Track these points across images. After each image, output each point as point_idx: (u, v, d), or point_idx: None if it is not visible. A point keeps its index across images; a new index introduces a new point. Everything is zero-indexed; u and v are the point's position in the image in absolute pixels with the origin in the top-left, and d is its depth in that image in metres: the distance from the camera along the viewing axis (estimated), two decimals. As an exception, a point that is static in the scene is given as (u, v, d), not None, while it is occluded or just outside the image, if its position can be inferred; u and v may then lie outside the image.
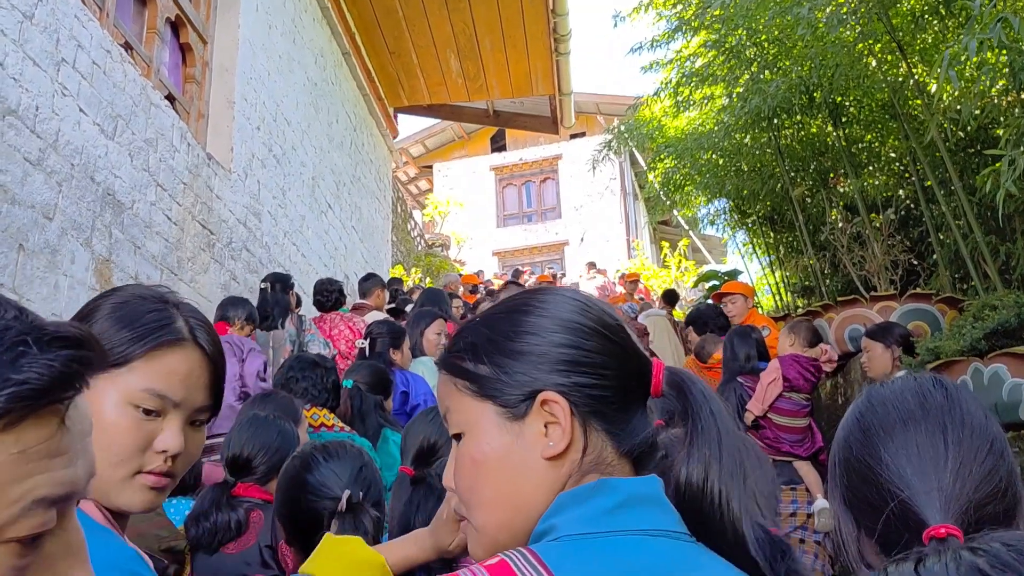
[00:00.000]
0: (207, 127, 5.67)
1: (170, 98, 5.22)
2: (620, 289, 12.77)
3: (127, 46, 4.77)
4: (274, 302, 4.64)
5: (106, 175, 4.14)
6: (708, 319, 5.46)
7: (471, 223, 20.29)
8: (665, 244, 17.01)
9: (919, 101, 4.54)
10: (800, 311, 5.87)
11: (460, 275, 12.74)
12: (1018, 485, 1.01)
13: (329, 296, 5.11)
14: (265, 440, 2.33)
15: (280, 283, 4.81)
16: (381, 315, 5.44)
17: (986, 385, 3.36)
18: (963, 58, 2.70)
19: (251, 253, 5.97)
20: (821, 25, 4.39)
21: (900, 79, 5.03)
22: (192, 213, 5.07)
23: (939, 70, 2.81)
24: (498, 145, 22.21)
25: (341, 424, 2.96)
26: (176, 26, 5.50)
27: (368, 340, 4.31)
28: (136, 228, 4.39)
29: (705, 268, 11.93)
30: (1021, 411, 3.27)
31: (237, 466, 2.33)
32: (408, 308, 6.89)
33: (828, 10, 4.39)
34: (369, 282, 5.98)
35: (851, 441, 1.08)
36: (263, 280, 4.92)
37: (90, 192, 3.99)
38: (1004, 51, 3.80)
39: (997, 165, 2.79)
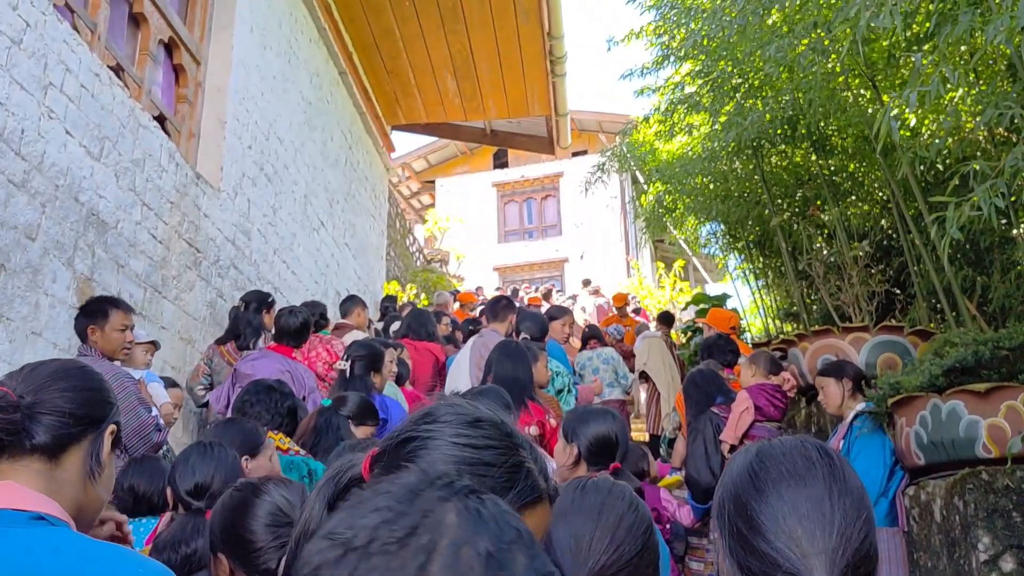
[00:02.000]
0: (198, 147, 5.77)
1: (161, 118, 5.32)
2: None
3: (118, 68, 4.88)
4: (246, 322, 4.70)
5: (91, 195, 4.23)
6: (716, 350, 5.51)
7: (472, 239, 20.43)
8: (660, 264, 17.05)
9: (885, 137, 4.59)
10: (779, 338, 5.92)
11: (456, 291, 12.80)
12: (876, 548, 1.10)
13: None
14: (221, 465, 2.39)
15: (257, 303, 4.88)
16: (361, 335, 5.51)
17: (944, 421, 3.40)
18: (912, 105, 2.77)
19: (239, 271, 6.06)
20: (795, 61, 4.46)
21: (877, 114, 5.08)
22: (178, 232, 5.16)
23: (882, 122, 2.89)
24: (500, 162, 22.37)
25: (296, 448, 3.03)
26: (169, 47, 5.61)
27: (348, 361, 4.38)
28: (120, 247, 4.48)
29: (697, 290, 11.96)
30: (977, 448, 3.32)
31: (200, 494, 2.40)
32: (395, 326, 6.97)
33: (804, 44, 4.46)
34: (349, 303, 6.05)
35: (743, 495, 1.13)
36: (241, 298, 5.00)
37: (74, 212, 4.08)
38: (973, 91, 3.88)
39: (943, 214, 2.85)
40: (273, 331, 4.62)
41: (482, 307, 10.74)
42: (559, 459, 2.41)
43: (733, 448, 4.19)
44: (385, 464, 1.03)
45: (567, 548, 1.27)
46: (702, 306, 8.55)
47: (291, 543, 1.09)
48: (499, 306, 5.27)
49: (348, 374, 4.21)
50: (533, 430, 3.51)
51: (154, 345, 4.19)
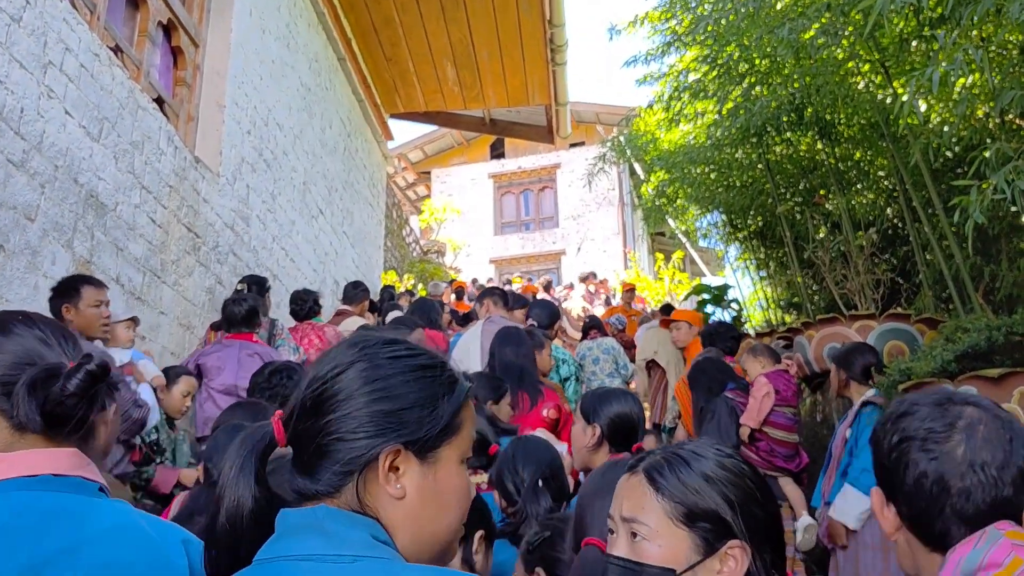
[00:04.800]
0: (196, 130, 5.69)
1: (159, 101, 5.24)
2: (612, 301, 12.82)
3: (117, 49, 4.80)
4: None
5: (90, 177, 4.16)
6: (717, 337, 5.48)
7: (469, 230, 20.34)
8: (659, 256, 17.03)
9: (902, 122, 4.56)
10: (782, 328, 5.89)
11: (452, 281, 12.75)
12: None
13: (303, 305, 5.13)
14: None
15: (256, 285, 4.82)
16: (360, 321, 5.45)
17: (957, 408, 3.36)
18: (935, 84, 2.72)
19: (238, 257, 5.99)
20: (804, 45, 4.41)
21: (887, 99, 5.05)
22: (177, 216, 5.08)
23: (905, 99, 2.84)
24: (497, 153, 22.27)
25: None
26: (168, 29, 5.52)
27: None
28: (119, 230, 4.41)
29: (696, 282, 11.97)
30: (990, 434, 3.28)
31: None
32: (392, 315, 6.91)
33: (815, 28, 4.41)
34: (358, 290, 6.00)
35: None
36: (240, 281, 4.92)
37: (73, 194, 4.01)
38: (988, 76, 3.84)
39: (964, 199, 2.81)
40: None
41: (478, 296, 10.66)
42: (579, 441, 2.37)
43: (752, 433, 4.17)
44: (313, 411, 0.98)
45: (602, 526, 1.29)
46: (703, 296, 8.53)
47: (214, 508, 1.00)
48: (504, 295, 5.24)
49: None
50: (552, 413, 3.49)
51: (134, 321, 4.09)
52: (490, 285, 11.76)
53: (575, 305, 12.42)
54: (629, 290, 11.82)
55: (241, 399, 3.92)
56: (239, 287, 4.84)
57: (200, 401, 4.09)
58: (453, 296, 11.45)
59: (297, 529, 0.92)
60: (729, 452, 1.21)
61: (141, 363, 3.84)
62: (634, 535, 1.15)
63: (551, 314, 5.03)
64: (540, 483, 2.31)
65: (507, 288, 13.55)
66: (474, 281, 15.20)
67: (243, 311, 4.32)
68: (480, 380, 3.26)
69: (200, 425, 4.07)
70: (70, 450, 1.10)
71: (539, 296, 10.87)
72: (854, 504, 3.66)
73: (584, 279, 14.53)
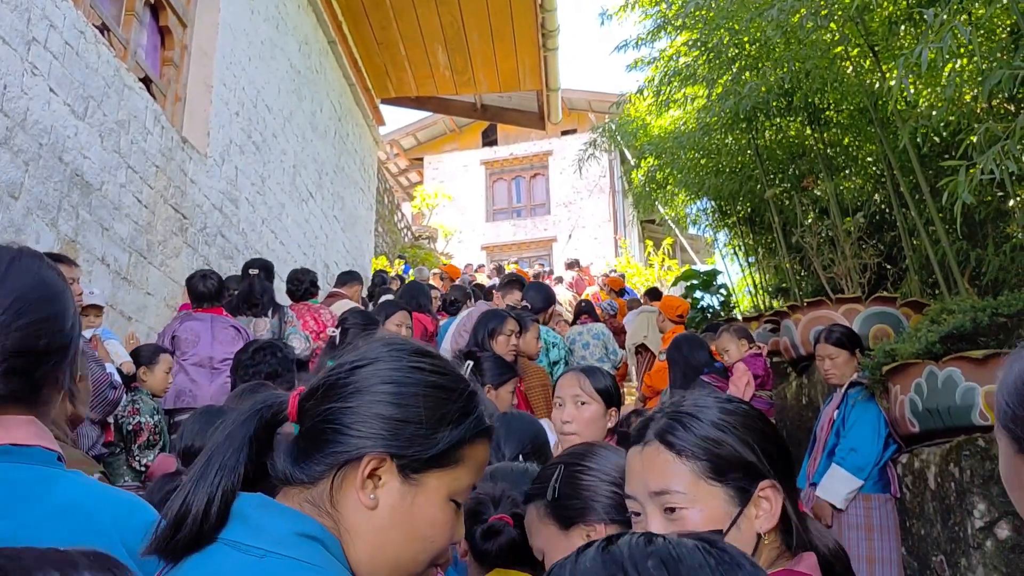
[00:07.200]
0: (184, 111, 5.65)
1: (146, 81, 5.20)
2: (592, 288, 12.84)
3: (104, 27, 4.76)
4: (262, 290, 4.59)
5: (75, 156, 4.13)
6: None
7: (460, 217, 20.33)
8: (650, 243, 17.05)
9: (891, 107, 4.56)
10: (770, 312, 5.91)
11: (444, 266, 12.75)
12: None
13: (299, 286, 5.10)
14: (209, 428, 2.34)
15: (265, 270, 4.77)
16: (351, 304, 5.44)
17: (940, 388, 3.38)
18: (924, 63, 2.72)
19: (226, 239, 5.96)
20: (794, 28, 4.41)
21: (876, 84, 5.05)
22: (164, 196, 5.05)
23: (895, 80, 2.84)
24: (489, 140, 22.21)
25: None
26: (155, 8, 5.48)
27: (340, 329, 4.30)
28: (104, 210, 4.38)
29: (685, 268, 12.00)
30: (973, 415, 3.30)
31: (190, 456, 2.37)
32: (383, 299, 6.91)
33: (803, 11, 4.40)
34: (350, 278, 6.01)
35: None
36: (251, 266, 4.79)
37: (58, 172, 3.98)
38: (978, 58, 3.84)
39: (952, 182, 2.81)
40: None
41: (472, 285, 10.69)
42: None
43: None
44: (324, 396, 0.95)
45: None
46: (692, 282, 8.54)
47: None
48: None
49: (337, 341, 4.15)
50: None
51: (95, 308, 4.03)
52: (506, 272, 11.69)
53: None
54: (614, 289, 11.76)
55: (216, 370, 3.90)
56: (252, 271, 4.73)
57: (172, 373, 4.05)
58: (442, 282, 11.43)
59: (234, 513, 0.88)
60: (726, 396, 1.17)
61: (110, 343, 3.81)
62: (670, 509, 1.07)
63: (545, 298, 5.03)
64: (520, 459, 2.31)
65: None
66: (467, 268, 15.17)
67: (213, 288, 4.26)
68: (488, 363, 3.24)
69: (170, 398, 4.03)
70: (28, 418, 1.04)
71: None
72: (841, 484, 3.68)
73: (570, 266, 14.57)
